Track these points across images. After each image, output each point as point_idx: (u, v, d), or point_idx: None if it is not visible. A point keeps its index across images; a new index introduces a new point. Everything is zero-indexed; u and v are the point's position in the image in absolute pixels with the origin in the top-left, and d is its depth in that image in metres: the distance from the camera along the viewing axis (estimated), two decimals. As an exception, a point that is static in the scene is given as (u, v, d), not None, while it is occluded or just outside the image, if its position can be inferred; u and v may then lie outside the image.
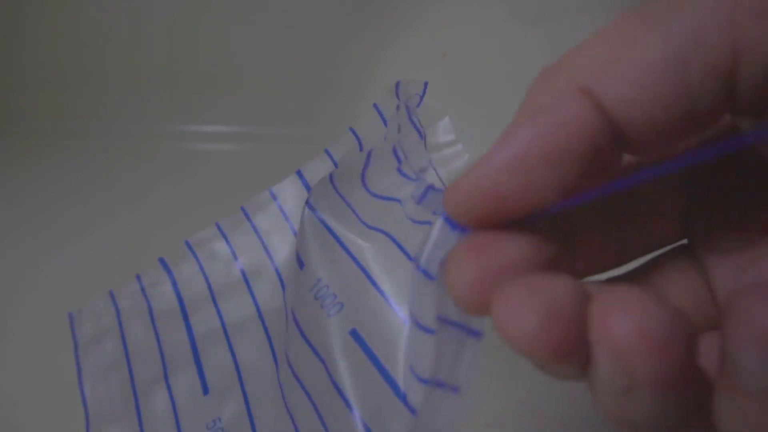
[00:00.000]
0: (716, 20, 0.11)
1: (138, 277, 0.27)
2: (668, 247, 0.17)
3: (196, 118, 0.45)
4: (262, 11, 0.43)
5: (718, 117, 0.12)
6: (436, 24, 0.42)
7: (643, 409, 0.11)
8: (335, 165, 0.25)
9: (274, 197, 0.27)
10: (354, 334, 0.20)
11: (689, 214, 0.16)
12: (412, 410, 0.17)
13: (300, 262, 0.22)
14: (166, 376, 0.25)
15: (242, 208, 0.27)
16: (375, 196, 0.21)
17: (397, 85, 0.21)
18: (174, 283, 0.27)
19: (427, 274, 0.15)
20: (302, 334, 0.21)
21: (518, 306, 0.11)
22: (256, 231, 0.27)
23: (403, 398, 0.19)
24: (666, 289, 0.16)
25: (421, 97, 0.21)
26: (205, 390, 0.24)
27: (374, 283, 0.21)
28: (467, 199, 0.13)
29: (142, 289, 0.27)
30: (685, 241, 0.16)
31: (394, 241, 0.21)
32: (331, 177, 0.22)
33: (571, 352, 0.11)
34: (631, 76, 0.12)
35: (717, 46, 0.11)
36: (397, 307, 0.21)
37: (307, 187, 0.26)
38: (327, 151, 0.26)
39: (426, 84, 0.22)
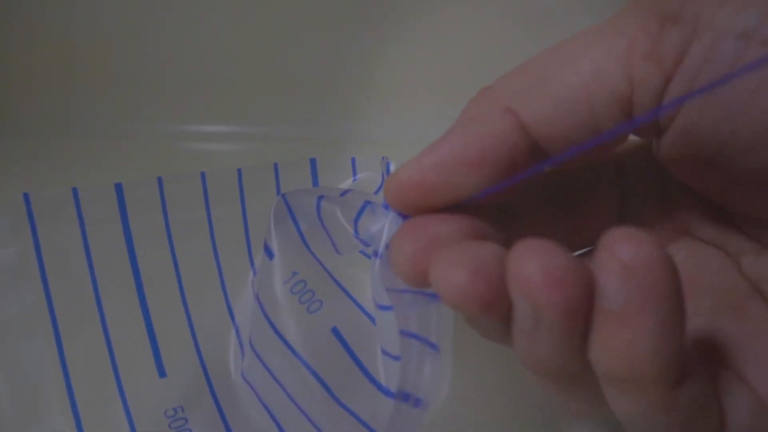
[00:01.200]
0: (614, 60, 0.14)
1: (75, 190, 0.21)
2: None
3: (196, 118, 0.45)
4: (262, 11, 0.43)
5: (622, 137, 0.15)
6: (436, 24, 0.42)
7: (549, 344, 0.13)
8: (314, 172, 0.23)
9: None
10: (335, 331, 0.20)
11: (624, 211, 0.19)
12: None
13: (269, 253, 0.21)
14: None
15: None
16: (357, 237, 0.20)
17: (389, 165, 0.20)
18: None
19: (383, 259, 0.17)
20: (273, 328, 0.20)
21: (449, 265, 0.13)
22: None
23: (387, 393, 0.19)
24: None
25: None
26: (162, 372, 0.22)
27: (344, 289, 0.21)
28: (399, 188, 0.15)
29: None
30: None
31: (365, 255, 0.21)
32: (318, 201, 0.20)
33: (493, 302, 0.13)
34: (548, 102, 0.14)
35: (616, 80, 0.14)
36: (372, 316, 0.21)
37: (277, 181, 0.23)
38: (312, 162, 0.23)
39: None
